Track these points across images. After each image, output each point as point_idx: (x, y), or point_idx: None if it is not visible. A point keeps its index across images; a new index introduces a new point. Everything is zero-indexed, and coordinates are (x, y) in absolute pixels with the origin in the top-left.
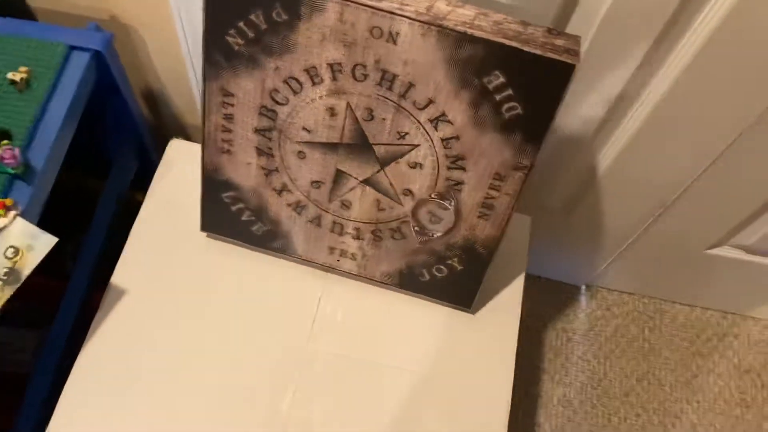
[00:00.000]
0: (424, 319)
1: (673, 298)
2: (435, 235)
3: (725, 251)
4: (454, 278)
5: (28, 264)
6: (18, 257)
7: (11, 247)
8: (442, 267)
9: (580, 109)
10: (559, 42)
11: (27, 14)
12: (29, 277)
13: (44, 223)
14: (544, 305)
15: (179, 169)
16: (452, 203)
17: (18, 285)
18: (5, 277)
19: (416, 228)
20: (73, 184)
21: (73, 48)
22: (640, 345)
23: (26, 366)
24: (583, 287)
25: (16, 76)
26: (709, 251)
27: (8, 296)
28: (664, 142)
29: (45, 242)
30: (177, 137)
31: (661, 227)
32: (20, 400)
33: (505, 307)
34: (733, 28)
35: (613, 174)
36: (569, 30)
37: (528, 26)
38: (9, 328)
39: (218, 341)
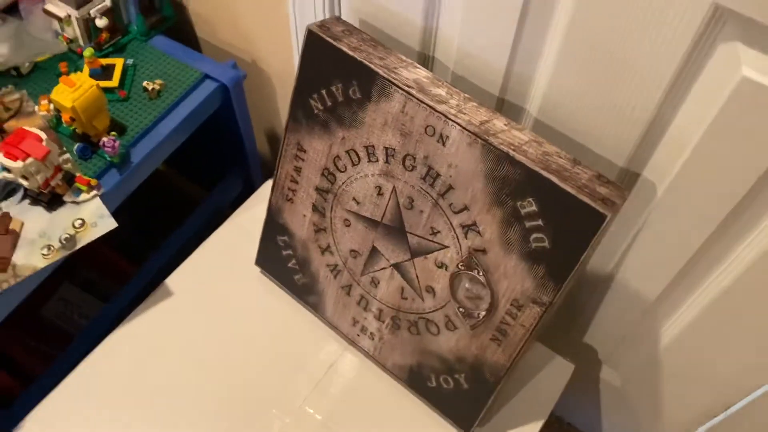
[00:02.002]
0: (420, 425)
1: None
2: (480, 315)
3: None
4: (459, 395)
5: (86, 237)
6: (82, 229)
7: (80, 219)
8: (449, 378)
9: (643, 267)
10: (602, 189)
11: (192, 41)
12: (114, 256)
13: (145, 214)
14: None
15: (265, 205)
16: (480, 273)
17: (71, 252)
18: (64, 242)
19: (461, 310)
20: (186, 192)
21: (207, 77)
22: None
23: (78, 329)
24: None
25: (150, 86)
26: None
27: (60, 257)
28: (730, 333)
29: (107, 224)
30: None
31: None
32: (57, 356)
33: None
34: None
35: (675, 352)
36: (639, 184)
37: (578, 165)
38: (87, 294)
39: (228, 365)
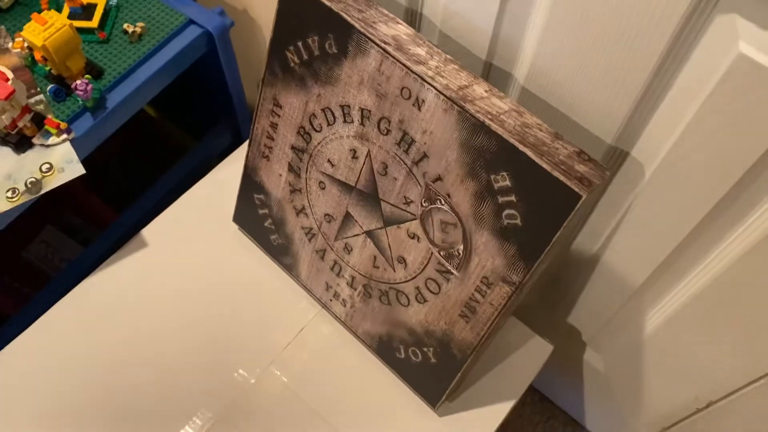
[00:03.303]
0: (389, 396)
1: None
2: (459, 251)
3: None
4: (427, 368)
5: (53, 182)
6: (49, 174)
7: (48, 163)
8: (417, 351)
9: (630, 250)
10: (580, 167)
11: None
12: (96, 201)
13: (133, 159)
14: None
15: None
16: (443, 202)
17: (36, 196)
18: (29, 186)
19: (442, 253)
20: (175, 139)
21: (192, 22)
22: None
23: (56, 272)
24: None
25: (130, 28)
26: None
27: (23, 201)
28: (716, 325)
29: (75, 170)
30: None
31: (705, 428)
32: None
33: (478, 425)
34: None
35: (658, 342)
36: (627, 163)
37: (558, 140)
38: (65, 236)
39: (198, 319)
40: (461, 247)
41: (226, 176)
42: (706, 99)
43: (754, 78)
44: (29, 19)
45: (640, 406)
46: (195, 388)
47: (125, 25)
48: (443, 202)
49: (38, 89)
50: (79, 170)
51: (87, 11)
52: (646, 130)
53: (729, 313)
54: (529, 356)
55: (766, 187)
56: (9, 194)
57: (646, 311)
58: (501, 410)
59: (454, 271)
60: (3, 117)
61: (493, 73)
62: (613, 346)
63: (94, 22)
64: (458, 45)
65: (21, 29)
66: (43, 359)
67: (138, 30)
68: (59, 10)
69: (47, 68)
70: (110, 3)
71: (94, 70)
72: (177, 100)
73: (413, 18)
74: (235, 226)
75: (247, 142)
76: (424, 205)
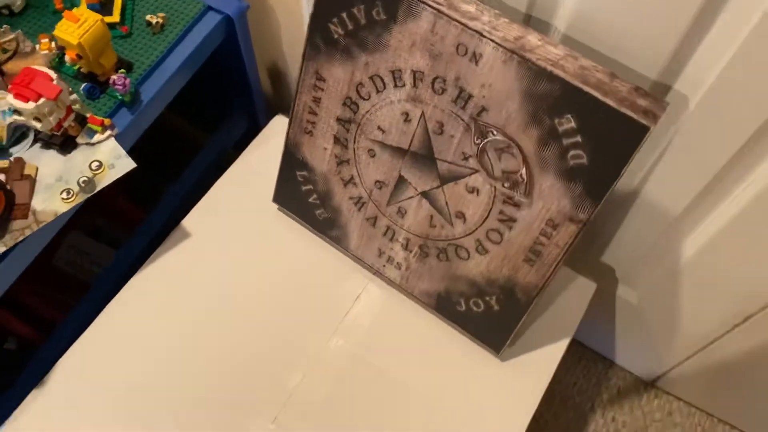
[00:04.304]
0: (450, 349)
1: (745, 429)
2: (522, 177)
3: None
4: (489, 317)
5: (105, 179)
6: (99, 171)
7: (97, 161)
8: (479, 301)
9: (670, 181)
10: (642, 102)
11: None
12: (122, 201)
13: (148, 158)
14: (603, 388)
15: (276, 141)
16: (495, 132)
17: (90, 194)
18: (83, 185)
19: (506, 185)
20: (187, 133)
21: (210, 8)
22: None
23: (93, 278)
24: (651, 384)
25: (153, 19)
26: None
27: (80, 201)
28: (752, 245)
29: (125, 164)
30: (285, 114)
31: (742, 343)
32: (75, 305)
33: (538, 366)
34: None
35: (695, 267)
36: (670, 96)
37: (616, 79)
38: (94, 240)
39: (253, 303)
40: (524, 171)
41: (254, 161)
42: (749, 33)
43: None
44: (45, 21)
45: (674, 332)
46: (265, 369)
47: (148, 17)
48: (495, 133)
49: (71, 89)
50: (129, 164)
51: (105, 6)
52: (691, 61)
53: (765, 230)
54: (575, 296)
55: None
56: (64, 195)
57: (683, 239)
58: (558, 349)
59: (523, 199)
60: (50, 118)
61: (533, 25)
62: (648, 278)
63: (115, 17)
64: (497, 0)
65: (39, 31)
66: (102, 363)
67: (160, 20)
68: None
69: (76, 67)
70: None
71: (124, 65)
72: (186, 93)
73: None
74: (274, 207)
75: (270, 124)
76: (476, 142)
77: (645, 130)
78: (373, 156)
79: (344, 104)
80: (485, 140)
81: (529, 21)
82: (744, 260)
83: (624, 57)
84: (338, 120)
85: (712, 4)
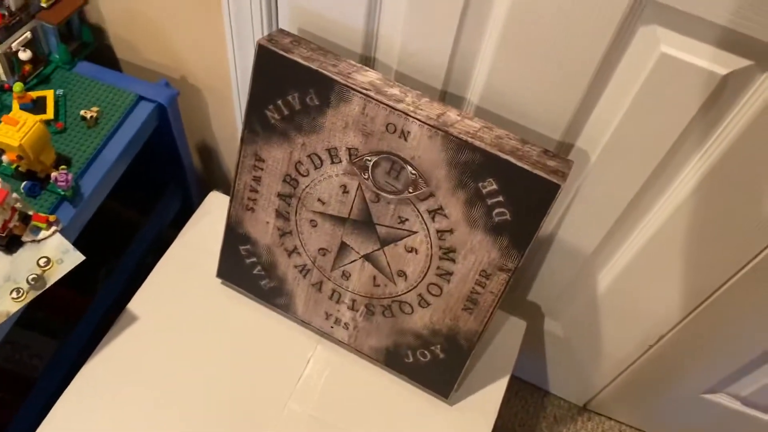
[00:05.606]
0: (402, 399)
1: None
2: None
3: (721, 398)
4: (436, 365)
5: (55, 275)
6: (48, 267)
7: (45, 257)
8: (426, 351)
9: (581, 224)
10: (551, 163)
11: (114, 64)
12: (58, 290)
13: (85, 244)
14: (541, 417)
15: (212, 218)
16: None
17: (41, 291)
18: (32, 282)
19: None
20: (121, 216)
21: (141, 98)
22: None
23: (36, 371)
24: (583, 407)
25: (87, 114)
26: (705, 396)
27: (31, 299)
28: (657, 274)
29: (74, 258)
30: (218, 190)
31: (657, 361)
32: (22, 402)
33: (483, 405)
34: (725, 173)
35: (611, 297)
36: (573, 153)
37: (526, 144)
38: (32, 332)
39: (208, 379)
40: (455, 229)
41: (193, 238)
42: (637, 92)
43: (675, 71)
44: None
45: (599, 357)
46: None
47: (82, 112)
48: (427, 198)
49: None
50: (78, 258)
51: (38, 105)
52: (588, 122)
53: (666, 259)
54: (508, 335)
55: (683, 161)
56: (14, 295)
57: (598, 273)
58: (499, 387)
59: (457, 255)
60: None
61: (449, 100)
62: (571, 311)
63: (49, 114)
64: (415, 80)
65: None
66: None
67: (94, 114)
68: (7, 110)
69: (13, 167)
70: (58, 93)
71: (63, 161)
72: (120, 177)
73: (368, 63)
74: (218, 282)
75: (204, 202)
76: (412, 207)
77: (557, 187)
78: (315, 226)
79: (284, 181)
80: (419, 204)
81: (445, 96)
82: (651, 288)
83: (531, 122)
84: (279, 195)
85: (601, 79)
